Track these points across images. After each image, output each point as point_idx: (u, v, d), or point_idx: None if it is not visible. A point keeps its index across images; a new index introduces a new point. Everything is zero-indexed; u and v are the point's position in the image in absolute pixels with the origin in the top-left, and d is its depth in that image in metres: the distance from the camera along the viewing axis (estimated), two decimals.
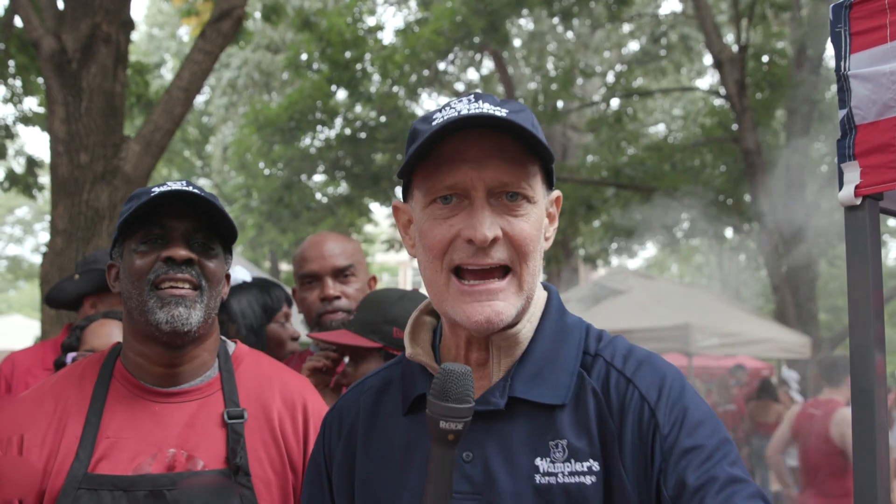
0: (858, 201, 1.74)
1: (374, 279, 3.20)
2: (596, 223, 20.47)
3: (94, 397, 1.88)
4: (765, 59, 18.19)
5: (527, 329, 1.51)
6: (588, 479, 1.37)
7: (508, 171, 1.41)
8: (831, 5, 1.79)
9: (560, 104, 18.80)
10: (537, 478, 1.38)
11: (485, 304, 1.40)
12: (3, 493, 1.80)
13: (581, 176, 18.36)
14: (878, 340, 1.70)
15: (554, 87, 18.32)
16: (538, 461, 1.39)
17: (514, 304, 1.44)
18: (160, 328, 1.82)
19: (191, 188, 1.85)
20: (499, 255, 1.41)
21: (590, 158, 19.76)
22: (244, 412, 1.89)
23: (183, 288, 1.84)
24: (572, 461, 1.38)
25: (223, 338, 2.07)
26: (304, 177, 19.27)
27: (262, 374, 2.02)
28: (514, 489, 1.38)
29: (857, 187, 1.74)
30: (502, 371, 1.48)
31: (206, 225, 1.90)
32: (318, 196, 19.87)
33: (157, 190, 1.83)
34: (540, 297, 1.58)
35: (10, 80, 12.62)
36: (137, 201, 1.84)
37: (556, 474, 1.38)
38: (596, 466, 1.37)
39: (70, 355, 2.85)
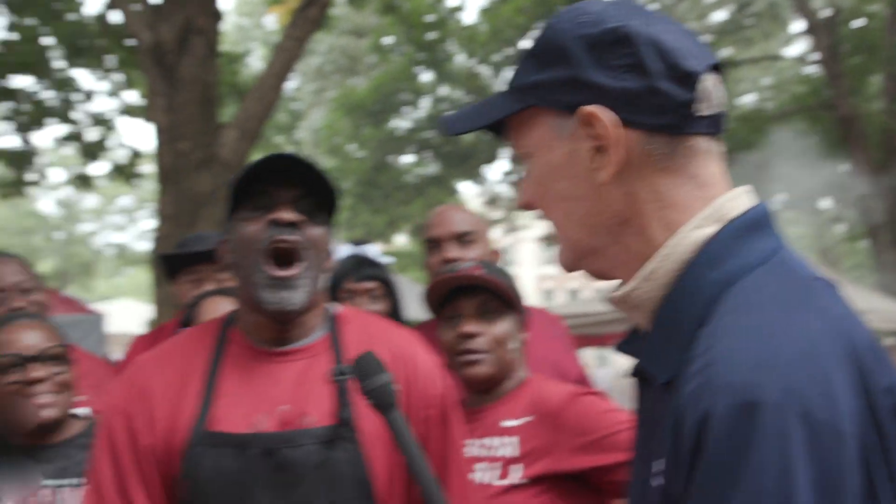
0: None
1: (496, 253, 3.23)
2: None
3: (211, 359, 1.94)
4: (858, 23, 17.55)
5: None
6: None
7: None
8: None
9: None
10: None
11: None
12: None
13: None
14: None
15: None
16: None
17: None
18: (265, 307, 1.86)
19: (295, 156, 1.87)
20: None
21: None
22: (350, 368, 1.90)
23: (289, 264, 1.86)
24: None
25: (328, 304, 2.10)
26: (393, 158, 19.48)
27: (369, 332, 2.03)
28: None
29: None
30: None
31: (312, 193, 1.92)
32: (408, 177, 20.05)
33: (261, 159, 1.87)
34: None
35: (112, 75, 13.12)
36: (244, 172, 1.87)
37: None
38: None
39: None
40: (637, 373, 1.23)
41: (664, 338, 1.13)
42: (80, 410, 2.72)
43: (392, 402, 1.73)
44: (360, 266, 3.37)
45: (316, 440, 1.83)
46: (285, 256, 1.88)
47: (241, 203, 1.93)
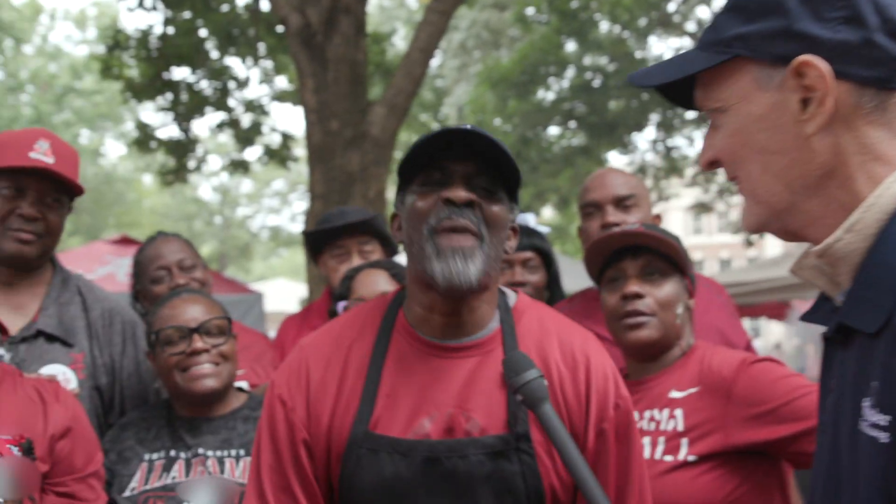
0: None
1: (658, 218, 3.07)
2: None
3: (374, 351, 1.83)
4: None
5: None
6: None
7: None
8: None
9: None
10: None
11: None
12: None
13: None
14: None
15: None
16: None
17: None
18: (435, 279, 1.72)
19: (472, 129, 1.73)
20: None
21: None
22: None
23: (462, 235, 1.73)
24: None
25: (503, 288, 1.95)
26: (539, 130, 19.28)
27: (544, 328, 1.88)
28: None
29: None
30: None
31: (489, 169, 1.78)
32: (555, 148, 19.82)
33: (436, 132, 1.75)
34: None
35: (262, 62, 13.52)
36: (416, 145, 1.76)
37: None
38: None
39: (340, 304, 2.92)
40: (832, 335, 1.23)
41: (870, 288, 1.13)
42: (242, 383, 2.76)
43: (542, 396, 1.62)
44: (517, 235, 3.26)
45: (485, 450, 1.71)
46: (459, 233, 1.75)
47: (413, 176, 1.82)
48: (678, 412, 2.20)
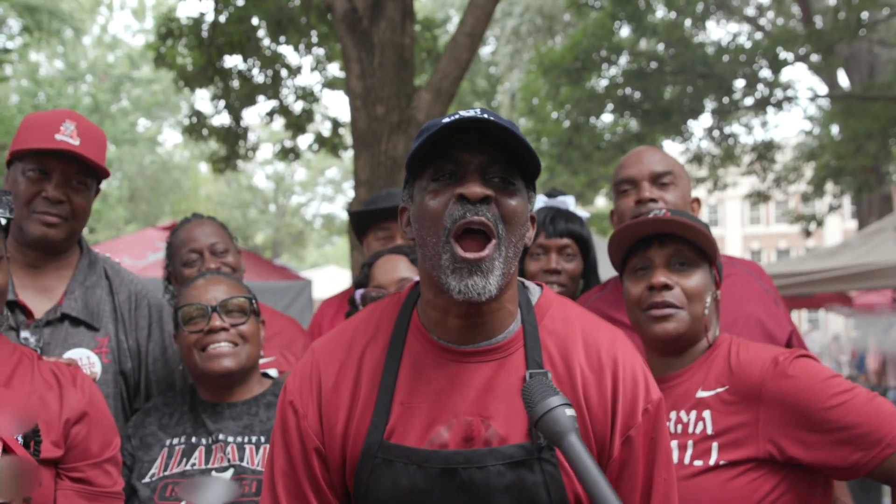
0: None
1: (697, 201, 2.95)
2: None
3: (388, 356, 1.76)
4: None
5: None
6: None
7: None
8: None
9: (865, 16, 17.07)
10: None
11: None
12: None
13: (893, 93, 16.63)
14: None
15: None
16: None
17: None
18: (451, 294, 1.63)
19: (484, 115, 1.60)
20: None
21: None
22: (548, 375, 1.68)
23: (479, 240, 1.62)
24: None
25: (524, 281, 1.86)
26: (592, 117, 19.05)
27: (569, 328, 1.77)
28: None
29: None
30: None
31: (505, 157, 1.65)
32: (608, 136, 19.58)
33: (446, 120, 1.62)
34: None
35: (314, 50, 13.55)
36: (426, 134, 1.64)
37: None
38: None
39: (358, 292, 2.88)
40: None
41: None
42: (271, 370, 2.73)
43: (564, 430, 1.47)
44: (555, 220, 3.13)
45: (505, 460, 1.63)
46: (475, 236, 1.63)
47: (424, 168, 1.70)
48: (706, 414, 2.08)
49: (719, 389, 2.09)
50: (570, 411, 1.49)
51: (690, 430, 2.09)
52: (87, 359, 2.53)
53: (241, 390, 2.52)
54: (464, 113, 1.62)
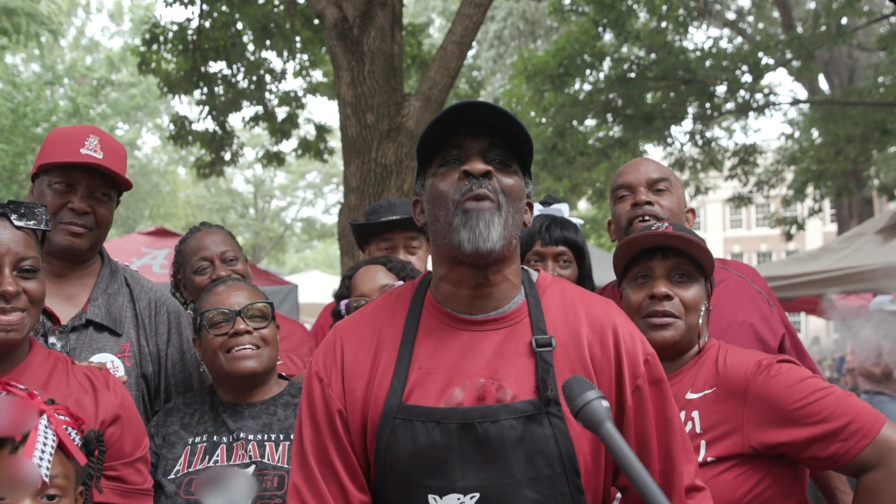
0: None
1: (692, 212, 3.08)
2: (892, 149, 18.71)
3: (405, 328, 1.92)
4: None
5: None
6: None
7: None
8: None
9: (844, 21, 17.23)
10: None
11: None
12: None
13: (873, 98, 16.81)
14: None
15: (837, 2, 16.80)
16: None
17: None
18: (462, 248, 1.80)
19: (478, 103, 1.83)
20: None
21: (881, 79, 18.00)
22: (552, 339, 1.85)
23: (483, 202, 1.82)
24: None
25: (524, 267, 2.04)
26: (575, 123, 19.11)
27: (567, 299, 1.96)
28: None
29: None
30: None
31: (502, 141, 1.88)
32: (591, 141, 19.65)
33: (451, 106, 1.84)
34: None
35: (298, 55, 13.52)
36: (430, 126, 1.86)
37: None
38: None
39: (342, 303, 3.02)
40: None
41: None
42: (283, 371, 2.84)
43: (601, 419, 1.61)
44: (550, 228, 3.18)
45: (516, 414, 1.78)
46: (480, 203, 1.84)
47: (431, 160, 1.92)
48: (695, 414, 2.24)
49: (707, 391, 2.25)
50: (605, 403, 1.62)
51: None
52: (112, 363, 2.65)
53: (261, 391, 2.65)
54: (460, 104, 1.83)
